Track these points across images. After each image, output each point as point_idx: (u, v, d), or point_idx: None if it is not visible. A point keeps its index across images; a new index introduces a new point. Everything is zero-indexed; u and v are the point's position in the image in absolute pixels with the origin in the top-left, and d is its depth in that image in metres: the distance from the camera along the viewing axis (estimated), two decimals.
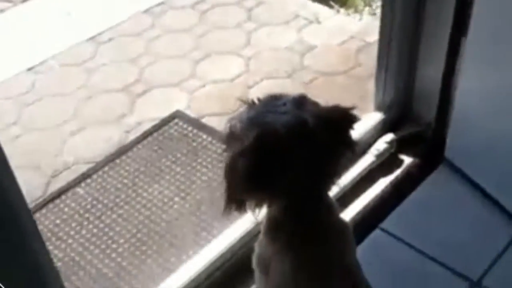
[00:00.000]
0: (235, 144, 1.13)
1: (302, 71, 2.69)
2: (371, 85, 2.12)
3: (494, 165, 1.85)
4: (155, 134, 2.32)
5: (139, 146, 2.28)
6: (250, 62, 2.75)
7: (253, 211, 1.18)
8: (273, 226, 1.23)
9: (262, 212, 1.23)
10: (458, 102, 1.89)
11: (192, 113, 2.45)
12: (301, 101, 1.15)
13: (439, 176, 1.98)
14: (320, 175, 1.17)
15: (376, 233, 1.81)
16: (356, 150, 1.19)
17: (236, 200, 1.15)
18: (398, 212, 1.87)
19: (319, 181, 1.17)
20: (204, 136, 2.30)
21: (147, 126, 2.38)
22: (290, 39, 2.88)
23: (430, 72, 1.97)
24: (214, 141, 2.27)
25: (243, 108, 1.18)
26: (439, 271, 1.70)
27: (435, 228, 1.82)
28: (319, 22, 3.03)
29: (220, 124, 2.39)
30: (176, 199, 2.06)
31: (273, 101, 1.16)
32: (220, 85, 2.63)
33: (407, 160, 2.01)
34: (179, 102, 2.52)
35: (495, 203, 1.85)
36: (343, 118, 1.16)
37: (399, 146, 2.02)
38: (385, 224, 1.84)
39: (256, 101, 1.18)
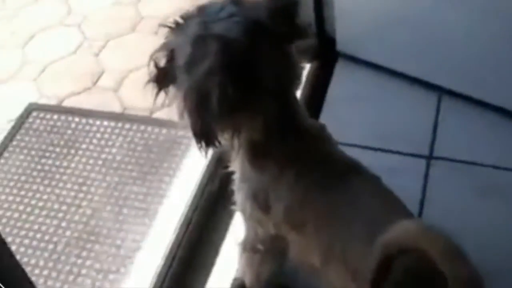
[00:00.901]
0: (191, 69, 0.96)
1: (143, 21, 2.44)
2: None
3: (386, 41, 1.82)
4: (18, 137, 1.96)
5: (6, 154, 1.91)
6: (83, 29, 2.43)
7: (231, 141, 1.03)
8: (258, 152, 1.07)
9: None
10: None
11: (49, 101, 2.11)
12: (236, 3, 1.02)
13: (342, 70, 1.91)
14: (289, 76, 1.05)
15: None
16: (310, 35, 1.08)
17: (208, 133, 0.97)
18: (323, 118, 1.77)
19: (289, 83, 1.05)
20: (77, 119, 1.99)
21: (3, 131, 2.00)
22: None
23: None
24: (90, 121, 1.98)
25: (170, 34, 1.03)
26: (391, 158, 1.65)
27: (364, 120, 1.76)
28: None
29: (84, 101, 2.09)
30: (80, 195, 1.76)
31: (208, 10, 1.02)
32: (63, 62, 2.29)
33: (307, 67, 1.91)
34: (26, 94, 2.15)
35: (402, 76, 1.83)
36: (286, 6, 1.05)
37: None
38: None
39: (180, 20, 1.03)
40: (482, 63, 1.65)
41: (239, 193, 1.14)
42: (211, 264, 1.44)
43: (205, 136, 0.97)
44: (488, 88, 1.69)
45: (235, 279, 1.38)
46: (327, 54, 1.94)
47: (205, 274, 1.42)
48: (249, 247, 1.22)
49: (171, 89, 1.04)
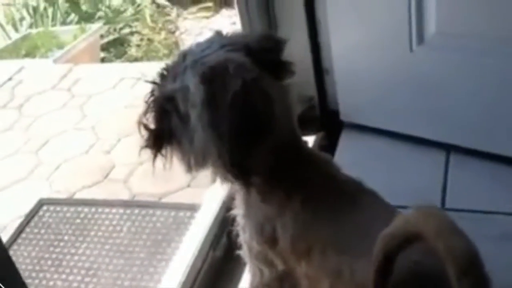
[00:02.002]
0: (213, 103, 0.91)
1: None
2: None
3: (389, 105, 1.82)
4: (27, 229, 1.95)
5: (14, 247, 1.89)
6: (96, 131, 2.49)
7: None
8: (266, 187, 1.01)
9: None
10: (336, 63, 1.85)
11: (60, 195, 2.12)
12: (223, 36, 1.01)
13: (347, 139, 1.89)
14: (288, 107, 1.01)
15: None
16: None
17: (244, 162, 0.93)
18: None
19: (290, 106, 1.01)
20: (86, 210, 1.99)
21: (13, 226, 2.00)
22: (125, 98, 2.69)
23: (296, 48, 1.91)
24: (99, 210, 1.97)
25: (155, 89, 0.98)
26: None
27: (374, 183, 1.71)
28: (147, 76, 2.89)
29: (96, 193, 2.10)
30: (86, 279, 1.71)
31: (194, 50, 0.99)
32: (75, 161, 2.33)
33: (310, 139, 1.91)
34: (38, 192, 2.17)
35: (408, 138, 1.81)
36: (273, 42, 1.03)
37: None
38: None
39: (164, 72, 0.99)
40: (484, 114, 1.63)
41: (245, 231, 1.08)
42: None
43: (243, 166, 0.93)
44: (494, 139, 1.65)
45: None
46: (331, 125, 1.94)
47: None
48: None
49: (169, 150, 1.00)
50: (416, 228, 0.72)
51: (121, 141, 2.38)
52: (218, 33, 1.02)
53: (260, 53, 0.98)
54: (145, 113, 0.98)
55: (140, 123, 0.98)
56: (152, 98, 0.98)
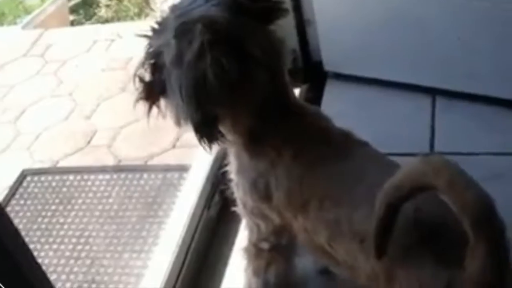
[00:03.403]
0: (180, 60, 0.91)
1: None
2: None
3: (371, 52, 1.80)
4: (13, 201, 1.92)
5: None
6: (73, 97, 2.44)
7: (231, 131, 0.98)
8: (252, 141, 1.01)
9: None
10: (318, 17, 1.81)
11: (43, 165, 2.08)
12: None
13: (332, 89, 1.87)
14: (275, 49, 0.99)
15: None
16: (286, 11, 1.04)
17: (210, 122, 0.92)
18: None
19: (278, 56, 0.99)
20: (71, 177, 1.95)
21: None
22: (101, 61, 2.63)
23: None
24: (85, 177, 1.94)
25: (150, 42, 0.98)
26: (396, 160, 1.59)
27: (362, 131, 1.70)
28: (121, 37, 2.82)
29: (80, 160, 2.07)
30: (78, 247, 1.71)
31: (181, 4, 0.98)
32: (55, 129, 2.28)
33: (296, 91, 1.88)
34: (20, 163, 2.13)
35: (393, 84, 1.80)
36: None
37: None
38: None
39: (156, 26, 0.98)
40: (468, 56, 1.62)
41: (239, 187, 1.07)
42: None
43: (207, 127, 0.93)
44: (479, 81, 1.65)
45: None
46: (316, 76, 1.92)
47: None
48: (253, 248, 1.13)
49: (162, 102, 1.00)
50: (426, 179, 0.71)
51: (101, 105, 2.33)
52: None
53: (248, 2, 0.96)
54: (141, 66, 0.98)
55: (135, 75, 0.98)
56: (146, 52, 0.98)
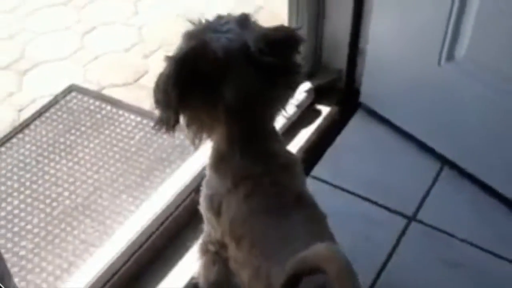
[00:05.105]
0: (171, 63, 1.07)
1: None
2: None
3: (406, 104, 1.89)
4: (52, 110, 2.13)
5: (37, 123, 2.07)
6: (142, 31, 2.61)
7: (195, 139, 1.14)
8: (220, 159, 1.16)
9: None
10: (370, 47, 1.91)
11: (90, 86, 2.27)
12: (244, 21, 1.11)
13: (358, 121, 1.99)
14: (263, 101, 1.12)
15: (308, 181, 1.78)
16: (302, 73, 1.15)
17: (167, 114, 1.09)
18: (326, 159, 1.86)
19: (262, 107, 1.12)
20: (108, 108, 2.14)
21: (41, 103, 2.18)
22: (179, 6, 2.77)
23: (339, 21, 1.97)
24: (120, 112, 2.12)
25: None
26: (375, 210, 1.71)
27: (364, 170, 1.83)
28: None
29: (123, 94, 2.25)
30: (89, 173, 1.89)
31: (217, 20, 1.12)
32: (114, 55, 2.47)
33: (325, 109, 2.00)
34: (72, 76, 2.33)
35: (414, 141, 1.89)
36: (288, 39, 1.12)
37: (316, 96, 2.00)
38: (315, 172, 1.81)
39: (203, 20, 1.12)
40: (487, 144, 1.70)
41: (202, 192, 1.23)
42: (176, 260, 1.54)
43: (165, 124, 1.09)
44: (490, 171, 1.73)
45: (192, 278, 1.46)
46: (349, 103, 2.03)
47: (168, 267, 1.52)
48: (204, 246, 1.30)
49: None
50: (322, 263, 0.84)
51: (162, 49, 2.49)
52: (237, 17, 1.12)
53: (256, 52, 1.06)
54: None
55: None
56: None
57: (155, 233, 1.56)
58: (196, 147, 1.16)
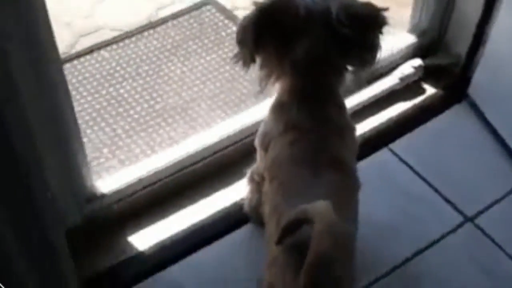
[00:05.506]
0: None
1: None
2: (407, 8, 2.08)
3: (510, 110, 1.85)
4: (186, 16, 2.31)
5: (169, 24, 2.28)
6: None
7: (263, 82, 1.25)
8: (279, 105, 1.27)
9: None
10: (492, 40, 1.87)
11: (226, 3, 2.42)
12: None
13: (458, 112, 1.98)
14: (330, 67, 1.21)
15: (383, 152, 1.84)
16: (377, 55, 1.21)
17: (244, 53, 1.21)
18: (410, 137, 1.90)
19: (327, 72, 1.21)
20: (234, 28, 2.29)
21: (178, 7, 2.36)
22: None
23: (470, 4, 1.93)
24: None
25: None
26: (436, 199, 1.73)
27: (442, 159, 1.85)
28: None
29: None
30: (197, 82, 2.07)
31: None
32: None
33: (430, 90, 2.01)
34: None
35: (506, 149, 1.86)
36: (371, 17, 1.18)
37: (425, 74, 2.01)
38: (394, 145, 1.86)
39: None
40: None
41: (260, 129, 1.36)
42: (233, 181, 1.70)
43: (242, 60, 1.22)
44: None
45: (241, 199, 1.62)
46: (456, 91, 2.02)
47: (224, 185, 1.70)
48: (250, 175, 1.45)
49: None
50: (314, 218, 0.94)
51: None
52: None
53: (334, 21, 1.15)
54: None
55: None
56: None
57: (223, 150, 1.72)
58: (262, 89, 1.28)
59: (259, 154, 1.36)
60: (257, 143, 1.35)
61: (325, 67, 1.20)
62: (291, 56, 1.17)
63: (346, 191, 1.20)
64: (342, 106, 1.28)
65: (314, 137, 1.21)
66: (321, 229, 0.92)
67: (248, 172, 1.51)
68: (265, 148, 1.29)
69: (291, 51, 1.17)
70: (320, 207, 0.96)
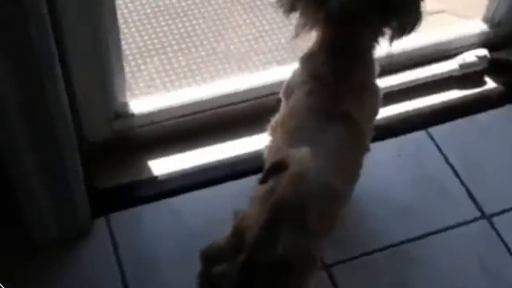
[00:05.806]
0: None
1: None
2: None
3: None
4: None
5: None
6: None
7: (298, 29, 1.26)
8: (309, 55, 1.28)
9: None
10: None
11: None
12: None
13: (510, 110, 1.90)
14: (364, 25, 1.20)
15: (420, 133, 1.79)
16: (417, 23, 1.19)
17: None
18: (452, 125, 1.83)
19: (361, 27, 1.20)
20: None
21: None
22: None
23: None
24: None
25: None
26: (457, 189, 1.68)
27: (478, 154, 1.76)
28: None
29: None
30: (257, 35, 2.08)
31: None
32: None
33: (490, 83, 1.93)
34: None
35: None
36: None
37: (488, 67, 1.93)
38: (433, 129, 1.81)
39: None
40: None
41: (288, 77, 1.37)
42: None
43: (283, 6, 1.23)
44: None
45: (266, 147, 1.64)
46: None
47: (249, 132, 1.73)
48: (272, 124, 1.47)
49: None
50: (290, 163, 0.96)
51: None
52: None
53: None
54: None
55: None
56: None
57: (262, 98, 1.73)
58: (295, 35, 1.29)
59: (282, 103, 1.38)
60: (281, 92, 1.37)
61: (359, 24, 1.19)
62: (325, 9, 1.17)
63: (349, 150, 1.20)
64: (369, 67, 1.27)
65: (331, 90, 1.21)
66: (291, 174, 0.94)
67: (272, 120, 1.52)
68: (287, 97, 1.31)
69: (325, 4, 1.17)
70: (299, 154, 0.97)
